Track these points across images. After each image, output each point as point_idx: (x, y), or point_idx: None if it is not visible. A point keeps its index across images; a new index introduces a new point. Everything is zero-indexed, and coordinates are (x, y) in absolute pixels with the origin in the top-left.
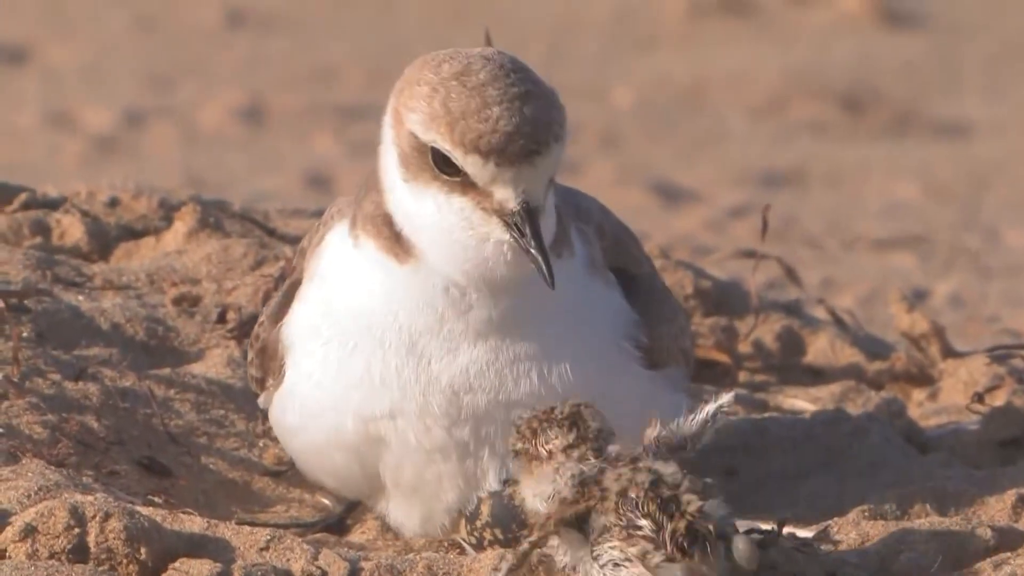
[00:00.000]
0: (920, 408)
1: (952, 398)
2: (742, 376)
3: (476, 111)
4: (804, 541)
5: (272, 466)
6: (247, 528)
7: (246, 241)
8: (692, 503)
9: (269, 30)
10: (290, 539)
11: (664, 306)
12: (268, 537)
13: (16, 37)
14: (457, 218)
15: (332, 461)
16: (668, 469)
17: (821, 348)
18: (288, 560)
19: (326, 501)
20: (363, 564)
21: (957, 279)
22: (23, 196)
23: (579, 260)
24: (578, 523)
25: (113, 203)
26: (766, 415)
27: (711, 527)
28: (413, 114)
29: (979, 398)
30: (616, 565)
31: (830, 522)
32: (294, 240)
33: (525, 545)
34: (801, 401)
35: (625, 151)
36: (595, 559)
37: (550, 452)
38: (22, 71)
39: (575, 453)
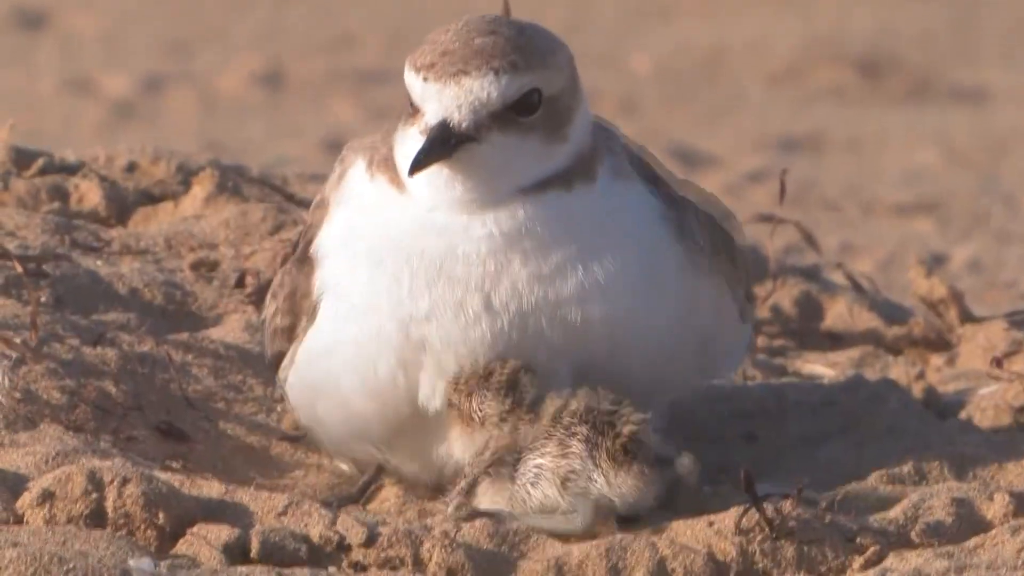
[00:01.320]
0: (938, 373)
1: (970, 363)
2: (760, 341)
3: (438, 39)
4: (822, 506)
5: (290, 431)
6: (265, 493)
7: (264, 206)
8: (628, 425)
9: None
10: (308, 504)
11: (698, 212)
12: (286, 502)
13: (35, 3)
14: (408, 146)
15: (375, 379)
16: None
17: (839, 313)
18: (306, 525)
19: (344, 467)
20: (381, 529)
21: (975, 244)
22: (41, 161)
23: (607, 167)
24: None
25: (131, 168)
26: (784, 380)
27: (645, 444)
28: (408, 59)
29: (997, 363)
30: (534, 482)
31: (848, 488)
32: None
33: (463, 484)
34: (819, 366)
35: (644, 118)
36: (514, 479)
37: (482, 419)
38: (41, 37)
39: (507, 423)
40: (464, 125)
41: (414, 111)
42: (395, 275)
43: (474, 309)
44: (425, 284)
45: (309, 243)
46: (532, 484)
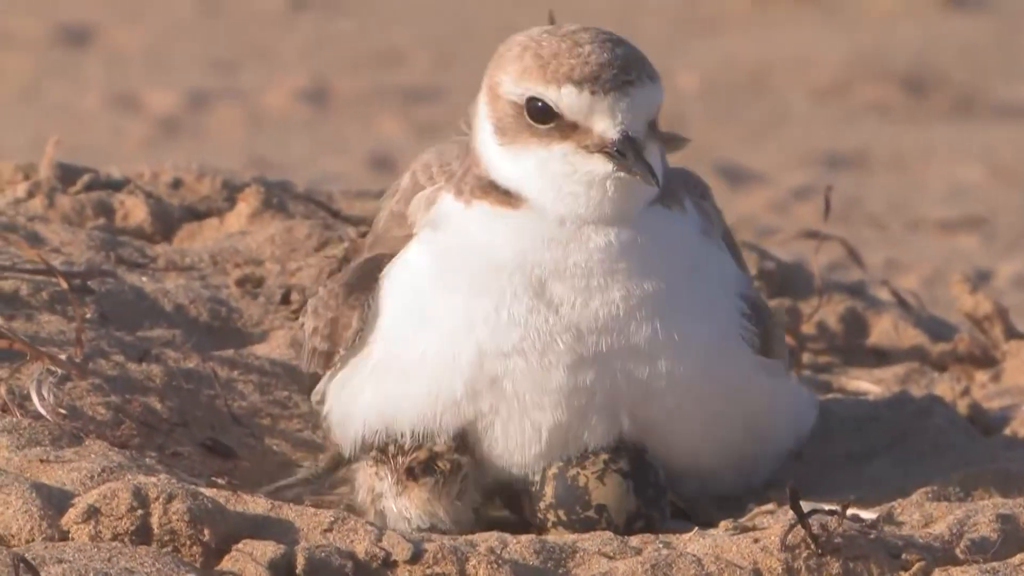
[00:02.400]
0: (983, 389)
1: (1015, 379)
2: (806, 357)
3: (567, 50)
4: (868, 523)
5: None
6: (311, 509)
7: (310, 222)
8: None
9: (334, 12)
10: (354, 520)
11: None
12: (332, 518)
13: (81, 19)
14: (560, 164)
15: (436, 403)
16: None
17: (884, 329)
18: (352, 541)
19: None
20: (427, 545)
21: (1020, 260)
22: (86, 177)
23: (691, 220)
24: None
25: (176, 184)
26: (829, 396)
27: (446, 463)
28: (506, 75)
29: None
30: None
31: (893, 504)
32: (358, 222)
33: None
34: (864, 383)
35: (690, 134)
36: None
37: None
38: (87, 53)
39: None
40: (639, 136)
41: (568, 127)
42: (496, 305)
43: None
44: (526, 309)
45: (370, 269)
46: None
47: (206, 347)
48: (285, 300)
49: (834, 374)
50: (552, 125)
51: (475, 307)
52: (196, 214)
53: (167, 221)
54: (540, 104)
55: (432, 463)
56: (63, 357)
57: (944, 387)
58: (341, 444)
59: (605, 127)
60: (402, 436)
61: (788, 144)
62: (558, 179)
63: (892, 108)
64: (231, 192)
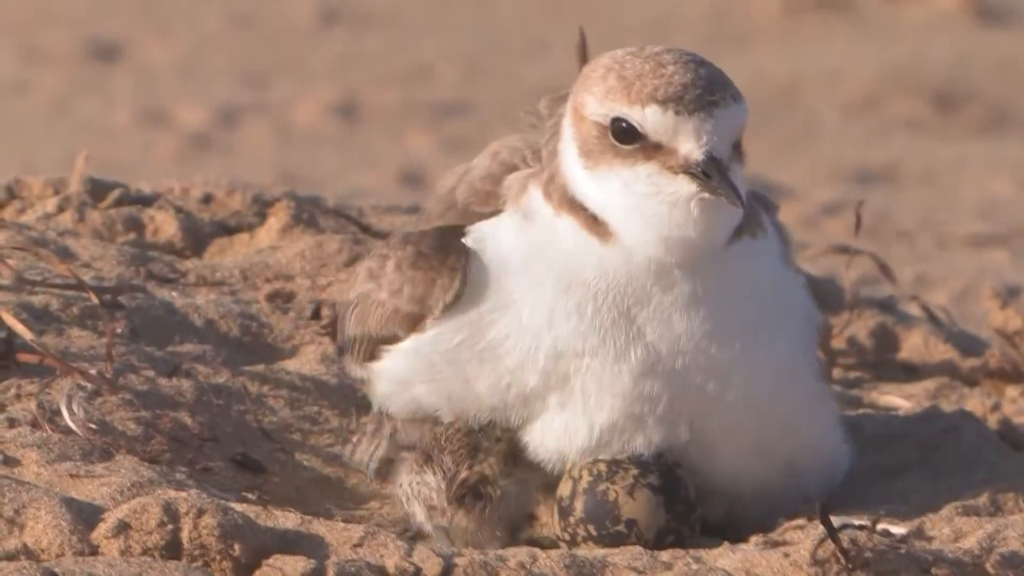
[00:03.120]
0: (1014, 405)
1: None
2: (836, 372)
3: (651, 71)
4: (898, 538)
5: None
6: (341, 524)
7: (340, 237)
8: (489, 463)
9: (364, 27)
10: (384, 535)
11: None
12: (362, 533)
13: (111, 34)
14: (643, 185)
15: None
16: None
17: (915, 344)
18: (382, 556)
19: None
20: (457, 560)
21: None
22: (117, 192)
23: (772, 244)
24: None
25: (207, 199)
26: (860, 411)
27: (496, 490)
28: (590, 96)
29: None
30: (408, 498)
31: (924, 519)
32: (388, 236)
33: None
34: (895, 398)
35: None
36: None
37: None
38: (117, 68)
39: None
40: (723, 157)
41: (652, 148)
42: (579, 306)
43: (638, 354)
44: (608, 320)
45: (454, 236)
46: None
47: (236, 362)
48: (315, 315)
49: (864, 389)
50: (636, 146)
51: (559, 303)
52: (226, 229)
53: (197, 236)
54: (624, 125)
55: (480, 487)
56: (93, 372)
57: (974, 402)
58: (388, 408)
59: (690, 148)
60: (460, 420)
61: (819, 159)
62: (641, 200)
63: (923, 123)
64: (261, 207)
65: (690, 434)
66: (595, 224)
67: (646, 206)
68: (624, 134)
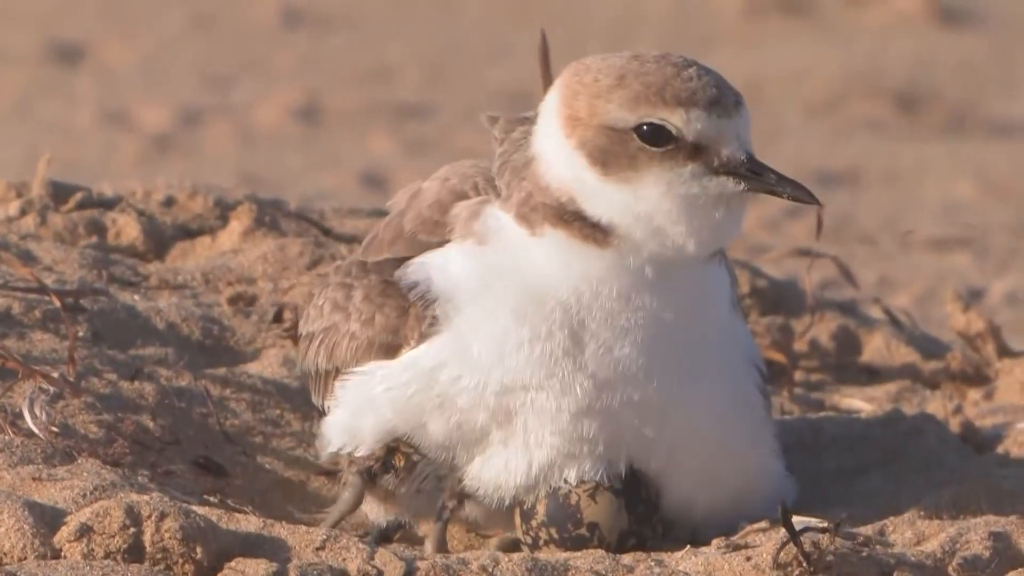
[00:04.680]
0: (976, 407)
1: (1008, 397)
2: (798, 375)
3: (675, 76)
4: (859, 540)
5: (328, 465)
6: (303, 528)
7: (302, 240)
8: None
9: (326, 29)
10: (346, 538)
11: None
12: (324, 537)
13: (73, 36)
14: (688, 186)
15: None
16: None
17: (877, 347)
18: (344, 560)
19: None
20: (419, 564)
21: (1013, 278)
22: (79, 195)
23: (724, 278)
24: None
25: (169, 202)
26: (822, 414)
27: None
28: (609, 104)
29: None
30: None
31: (886, 521)
32: (350, 239)
33: None
34: (857, 400)
35: None
36: None
37: None
38: (79, 70)
39: None
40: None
41: (689, 149)
42: (532, 333)
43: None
44: (559, 347)
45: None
46: None
47: (198, 365)
48: (277, 318)
49: (826, 392)
50: (669, 148)
51: (511, 334)
52: (188, 232)
53: (159, 239)
54: (653, 128)
55: (389, 461)
56: (56, 375)
57: (936, 405)
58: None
59: (733, 148)
60: (414, 453)
61: (780, 160)
62: (684, 201)
63: (885, 124)
64: (223, 210)
65: (631, 472)
66: (593, 232)
67: (689, 206)
68: (654, 137)
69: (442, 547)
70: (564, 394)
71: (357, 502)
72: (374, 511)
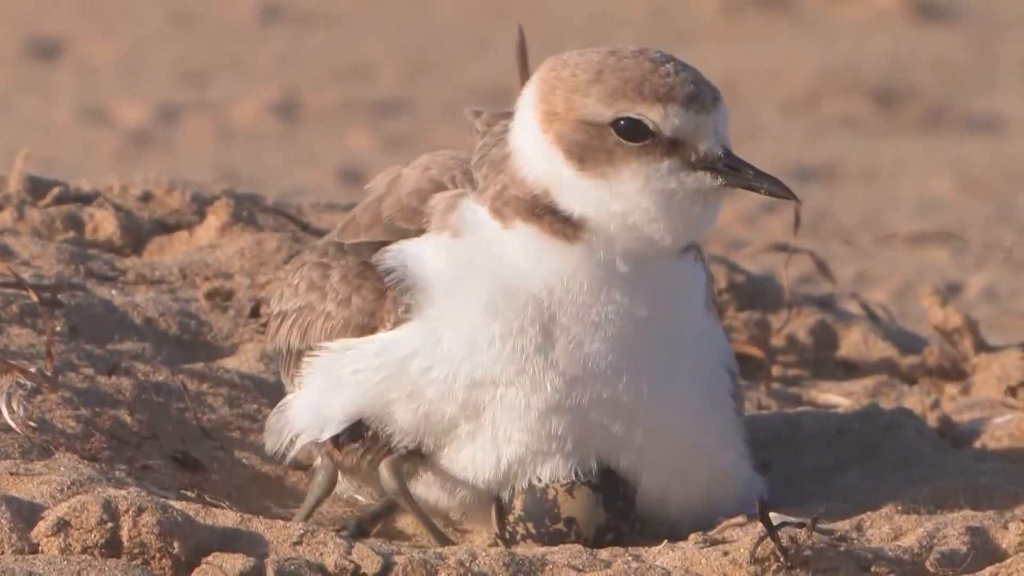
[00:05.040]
0: (953, 402)
1: (985, 392)
2: (775, 370)
3: (652, 71)
4: (837, 535)
5: (305, 460)
6: (280, 522)
7: (279, 235)
8: None
9: (304, 25)
10: (323, 533)
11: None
12: (301, 531)
13: (51, 32)
14: (665, 181)
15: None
16: None
17: (854, 342)
18: (321, 554)
19: (360, 498)
20: (396, 559)
21: (990, 273)
22: (56, 190)
23: (701, 278)
24: None
25: (146, 197)
26: (799, 409)
27: None
28: (586, 99)
29: (1012, 392)
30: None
31: (863, 516)
32: (327, 234)
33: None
34: (834, 395)
35: None
36: None
37: None
38: (57, 66)
39: None
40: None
41: (667, 144)
42: (504, 328)
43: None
44: (531, 343)
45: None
46: None
47: (176, 360)
48: (255, 313)
49: (804, 387)
50: (646, 143)
51: (483, 329)
52: (166, 227)
53: (137, 234)
54: (631, 123)
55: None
56: (33, 370)
57: (914, 400)
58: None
59: (711, 144)
60: (372, 435)
61: (758, 156)
62: (661, 196)
63: (862, 121)
64: (201, 205)
65: (608, 468)
66: (564, 227)
67: (667, 201)
68: (631, 132)
69: (399, 478)
70: (534, 391)
71: (331, 484)
72: (353, 489)
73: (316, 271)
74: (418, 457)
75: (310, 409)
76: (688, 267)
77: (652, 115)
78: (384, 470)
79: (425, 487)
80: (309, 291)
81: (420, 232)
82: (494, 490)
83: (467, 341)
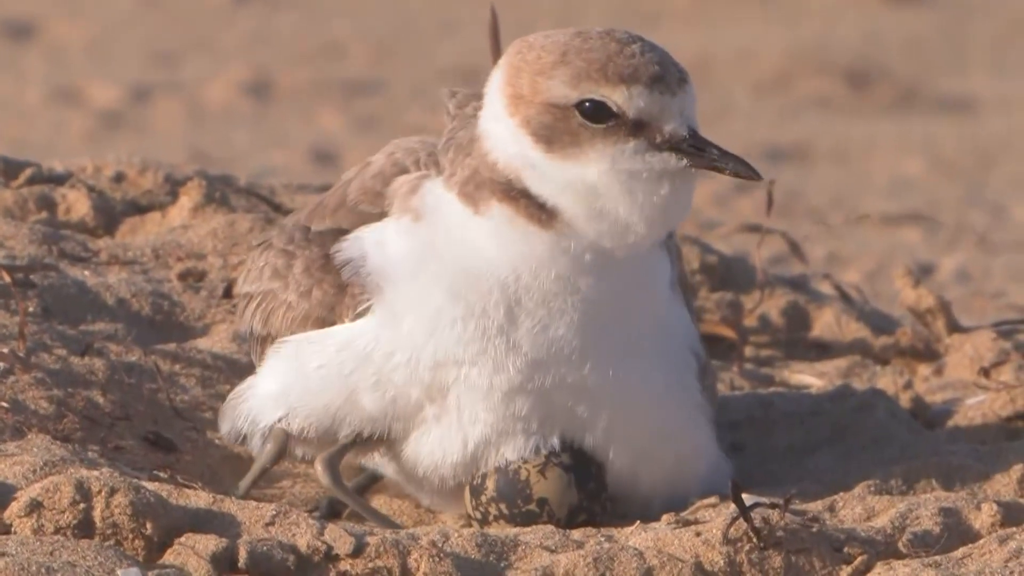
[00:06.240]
0: (926, 383)
1: (958, 373)
2: (748, 351)
3: (617, 52)
4: (810, 516)
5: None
6: (252, 503)
7: (252, 216)
8: None
9: (275, 5)
10: (296, 514)
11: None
12: (273, 512)
13: (22, 13)
14: (631, 162)
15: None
16: None
17: (827, 323)
18: (294, 535)
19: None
20: (368, 539)
21: (963, 254)
22: (29, 171)
23: (666, 264)
24: None
25: (119, 178)
26: (772, 390)
27: None
28: (551, 81)
29: (984, 373)
30: None
31: (836, 497)
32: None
33: None
34: (807, 376)
35: None
36: None
37: None
38: (28, 47)
39: None
40: (698, 130)
41: (631, 125)
42: (466, 310)
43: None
44: (494, 324)
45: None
46: None
47: (148, 341)
48: (227, 294)
49: (776, 367)
50: (610, 124)
51: (446, 310)
52: (138, 208)
53: (109, 215)
54: (595, 105)
55: None
56: (5, 351)
57: (887, 380)
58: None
59: (675, 124)
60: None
61: (730, 137)
62: (631, 178)
63: (834, 101)
64: (173, 186)
65: (563, 446)
66: (538, 211)
67: (633, 182)
68: (595, 114)
69: (333, 472)
70: (496, 372)
71: (279, 454)
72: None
73: (281, 259)
74: (386, 444)
75: (273, 400)
76: (655, 255)
77: (616, 97)
78: (319, 465)
79: (395, 473)
80: (273, 278)
81: (382, 215)
82: (461, 473)
83: (428, 323)
